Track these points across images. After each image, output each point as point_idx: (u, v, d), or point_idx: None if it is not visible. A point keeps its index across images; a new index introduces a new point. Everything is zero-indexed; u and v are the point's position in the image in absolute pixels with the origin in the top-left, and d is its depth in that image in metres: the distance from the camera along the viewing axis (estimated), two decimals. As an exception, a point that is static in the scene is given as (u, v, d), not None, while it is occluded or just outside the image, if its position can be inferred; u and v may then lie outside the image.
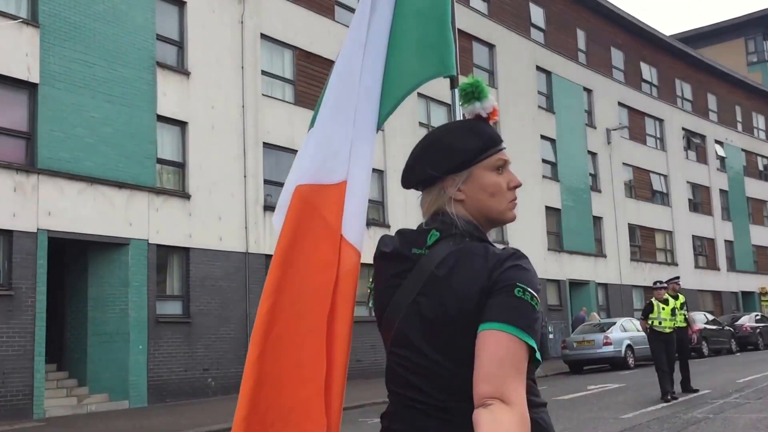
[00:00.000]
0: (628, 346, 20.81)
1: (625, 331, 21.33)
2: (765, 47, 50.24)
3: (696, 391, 12.67)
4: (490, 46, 27.27)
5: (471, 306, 1.46)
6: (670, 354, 12.35)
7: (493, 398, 1.35)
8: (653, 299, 12.70)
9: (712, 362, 20.83)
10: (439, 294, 1.49)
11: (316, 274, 1.73)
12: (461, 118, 1.77)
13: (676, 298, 12.96)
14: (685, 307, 13.17)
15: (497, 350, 1.38)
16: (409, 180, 1.69)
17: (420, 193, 1.69)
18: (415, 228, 1.67)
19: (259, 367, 1.71)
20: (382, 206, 22.25)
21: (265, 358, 1.72)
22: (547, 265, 27.66)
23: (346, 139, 1.81)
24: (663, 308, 12.51)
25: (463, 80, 1.76)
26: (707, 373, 16.62)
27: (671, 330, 12.47)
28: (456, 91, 1.85)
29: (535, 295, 1.46)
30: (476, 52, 26.75)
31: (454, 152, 1.60)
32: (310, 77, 20.82)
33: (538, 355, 1.45)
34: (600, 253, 31.05)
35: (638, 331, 21.49)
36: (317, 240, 1.77)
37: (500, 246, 1.59)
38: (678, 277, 13.78)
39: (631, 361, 20.76)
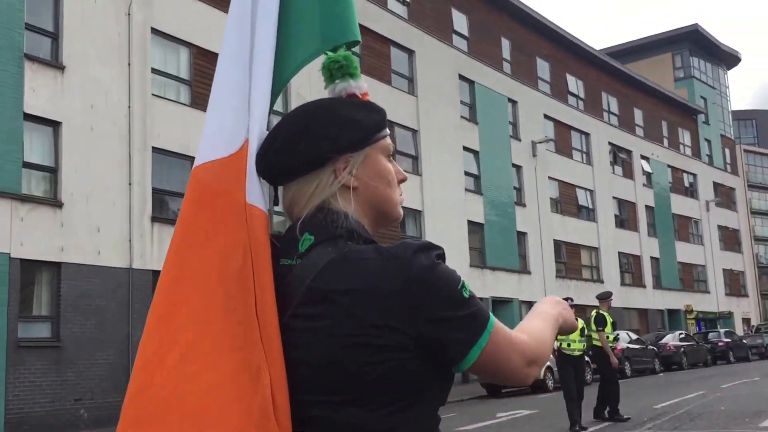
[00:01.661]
0: (548, 368, 19.64)
1: (545, 351, 20.17)
2: (692, 63, 50.56)
3: (626, 419, 11.55)
4: (410, 52, 26.07)
5: (357, 323, 1.17)
6: (579, 379, 11.26)
7: None
8: None
9: (634, 384, 19.83)
10: (323, 313, 1.19)
11: (229, 262, 1.31)
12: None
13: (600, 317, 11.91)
14: (601, 326, 12.01)
15: (497, 358, 1.24)
16: (283, 164, 1.31)
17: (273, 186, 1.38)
18: (283, 234, 1.33)
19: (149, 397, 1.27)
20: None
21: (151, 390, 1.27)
22: (469, 282, 26.37)
23: (241, 109, 1.46)
24: None
25: (330, 54, 1.45)
26: (626, 396, 15.43)
27: (581, 353, 11.38)
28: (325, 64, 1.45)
29: (464, 282, 1.25)
30: (395, 57, 25.51)
31: (354, 124, 1.31)
32: (209, 77, 19.08)
33: (472, 355, 1.22)
34: (524, 270, 30.04)
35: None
36: (222, 221, 1.35)
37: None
38: (610, 294, 12.58)
39: (550, 383, 19.61)
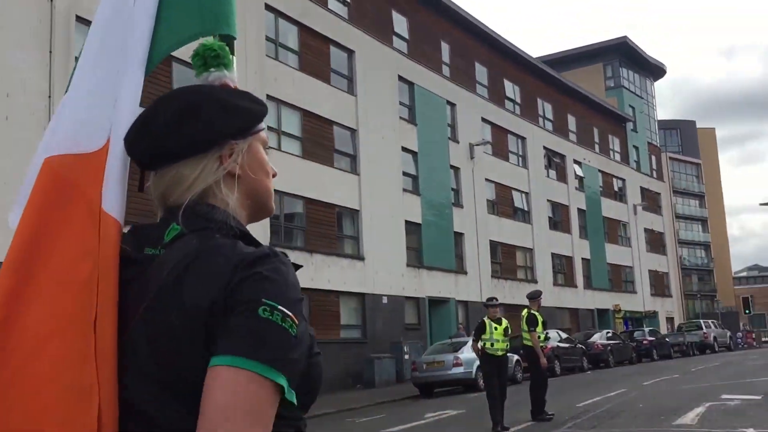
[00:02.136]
0: (479, 367, 20.06)
1: (477, 350, 20.63)
2: (621, 73, 52.31)
3: (549, 418, 11.81)
4: (350, 52, 26.25)
5: (198, 327, 1.10)
6: (502, 379, 11.46)
7: None
8: (486, 318, 11.76)
9: (562, 382, 20.46)
10: (167, 309, 1.14)
11: (76, 270, 1.25)
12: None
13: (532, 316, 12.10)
14: (532, 326, 12.13)
15: (225, 395, 1.06)
16: (164, 146, 1.24)
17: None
18: (158, 221, 1.27)
19: None
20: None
21: None
22: (405, 281, 26.84)
23: (106, 100, 1.42)
24: (496, 328, 11.49)
25: (204, 41, 1.43)
26: (553, 395, 15.90)
27: (504, 353, 11.57)
28: (201, 52, 1.44)
29: (289, 314, 1.11)
30: (334, 56, 25.65)
31: (241, 111, 1.28)
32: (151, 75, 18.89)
33: (290, 395, 1.10)
34: (461, 270, 30.58)
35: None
36: (77, 223, 1.29)
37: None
38: (540, 293, 12.69)
39: (481, 382, 19.98)
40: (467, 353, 20.12)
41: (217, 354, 1.08)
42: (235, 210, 1.26)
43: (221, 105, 1.26)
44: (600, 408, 13.20)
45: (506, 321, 11.84)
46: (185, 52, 1.47)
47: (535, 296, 12.47)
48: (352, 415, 15.61)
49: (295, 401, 1.12)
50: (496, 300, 12.25)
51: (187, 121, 1.24)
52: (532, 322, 12.11)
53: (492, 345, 11.44)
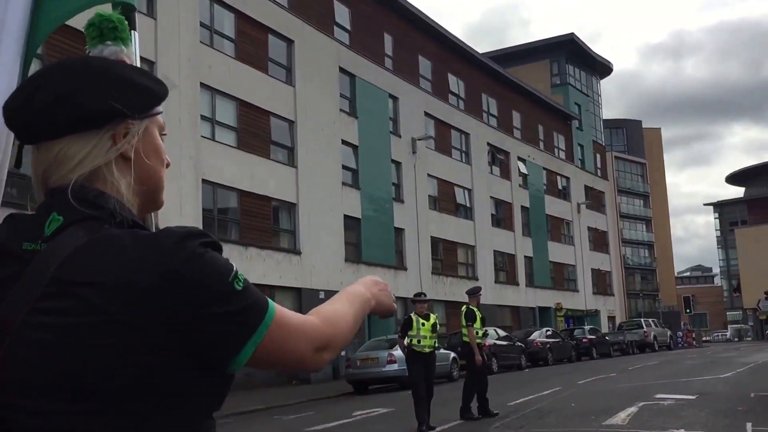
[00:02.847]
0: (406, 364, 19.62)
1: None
2: (567, 70, 52.49)
3: (495, 414, 11.50)
4: (289, 41, 25.51)
5: (118, 318, 1.01)
6: (429, 378, 11.02)
7: None
8: (413, 314, 11.28)
9: (497, 380, 20.12)
10: (67, 308, 1.01)
11: None
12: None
13: (470, 313, 11.75)
14: (470, 322, 11.84)
15: (279, 348, 1.12)
16: (51, 116, 1.10)
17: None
18: (35, 210, 1.14)
19: None
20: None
21: None
22: (343, 276, 26.20)
23: None
24: (423, 324, 11.03)
25: (100, 11, 1.36)
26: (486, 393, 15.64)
27: (431, 350, 11.13)
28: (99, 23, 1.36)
29: (237, 272, 1.09)
30: (272, 45, 24.89)
31: (140, 89, 1.17)
32: (60, 51, 17.94)
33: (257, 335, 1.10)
34: (400, 266, 30.11)
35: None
36: None
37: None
38: (479, 289, 12.48)
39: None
40: (399, 352, 19.62)
41: (236, 354, 1.07)
42: (128, 197, 1.13)
43: (119, 78, 1.14)
44: (531, 407, 12.85)
45: (434, 317, 11.46)
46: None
47: (474, 292, 12.28)
48: (281, 412, 15.22)
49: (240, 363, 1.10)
50: (424, 295, 11.77)
51: (80, 91, 1.10)
52: (470, 317, 11.87)
53: (419, 342, 11.03)
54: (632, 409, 11.65)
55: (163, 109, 1.21)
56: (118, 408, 1.01)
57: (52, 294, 1.02)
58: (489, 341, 23.54)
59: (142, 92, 1.17)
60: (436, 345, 11.37)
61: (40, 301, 1.02)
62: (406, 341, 11.11)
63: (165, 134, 1.25)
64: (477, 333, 11.83)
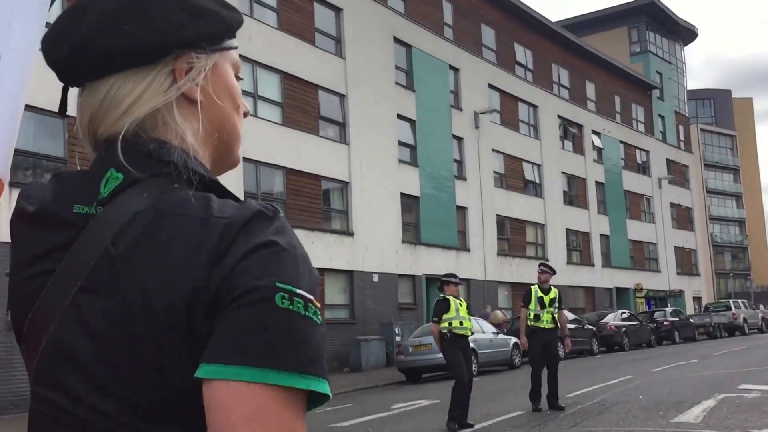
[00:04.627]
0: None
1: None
2: (648, 37, 49.30)
3: (562, 408, 10.24)
4: (337, 10, 24.20)
5: (175, 322, 0.82)
6: (469, 365, 9.89)
7: None
8: (448, 296, 9.94)
9: (562, 367, 18.39)
10: (116, 292, 0.85)
11: None
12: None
13: (549, 291, 10.78)
14: (555, 304, 10.80)
15: (247, 420, 0.77)
16: (98, 47, 0.93)
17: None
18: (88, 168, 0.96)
19: None
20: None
21: None
22: (400, 258, 24.89)
23: None
24: (461, 304, 9.90)
25: None
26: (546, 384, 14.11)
27: (471, 333, 10.08)
28: None
29: (310, 298, 0.83)
30: (319, 14, 23.63)
31: (209, 15, 0.97)
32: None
33: (325, 388, 0.82)
34: (463, 247, 28.53)
35: (483, 332, 19.02)
36: None
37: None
38: (546, 267, 11.11)
39: (474, 367, 18.09)
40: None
41: (219, 362, 0.78)
42: (195, 148, 0.94)
43: (180, 3, 0.94)
44: (593, 399, 11.35)
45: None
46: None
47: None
48: (320, 403, 14.04)
49: (330, 394, 0.84)
50: (452, 276, 10.36)
51: (132, 15, 0.92)
52: (527, 299, 10.94)
53: (461, 323, 9.86)
54: (709, 403, 10.00)
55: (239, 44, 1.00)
56: (162, 410, 0.84)
57: (103, 270, 0.85)
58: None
59: (210, 19, 0.96)
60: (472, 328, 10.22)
61: (90, 277, 0.86)
62: (444, 326, 9.81)
63: (241, 78, 1.04)
64: (529, 315, 10.79)
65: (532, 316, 10.71)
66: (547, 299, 10.71)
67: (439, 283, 10.40)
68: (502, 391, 13.29)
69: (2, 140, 1.19)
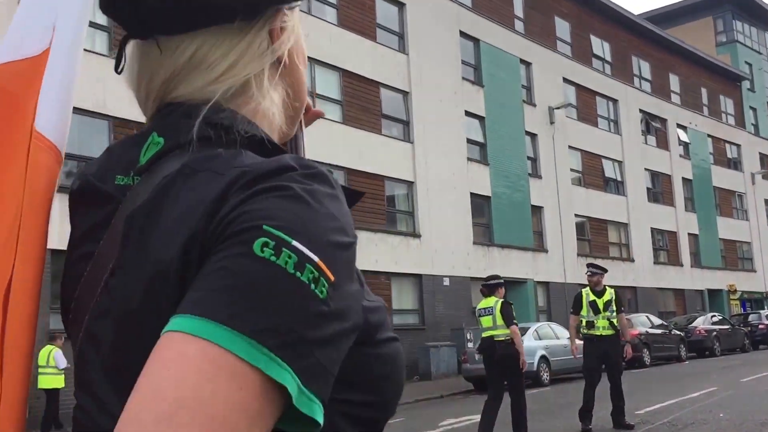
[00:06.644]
0: (542, 358, 16.99)
1: (540, 338, 17.49)
2: (735, 27, 46.53)
3: (631, 427, 9.08)
4: (400, 5, 23.45)
5: (167, 280, 0.69)
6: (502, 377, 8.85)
7: None
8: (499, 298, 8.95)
9: (644, 375, 17.02)
10: (132, 263, 0.73)
11: None
12: None
13: (602, 293, 9.50)
14: (611, 307, 9.45)
15: (171, 382, 0.59)
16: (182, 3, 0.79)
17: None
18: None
19: None
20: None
21: None
22: (471, 261, 23.88)
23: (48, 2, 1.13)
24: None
25: None
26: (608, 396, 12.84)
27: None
28: None
29: (314, 259, 0.63)
30: (380, 10, 22.92)
31: None
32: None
33: (306, 406, 0.62)
34: (540, 248, 27.24)
35: (557, 338, 17.85)
36: (5, 144, 0.99)
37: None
38: (594, 267, 9.85)
39: (545, 375, 16.97)
40: (528, 342, 17.01)
41: (175, 314, 0.63)
42: (275, 117, 0.83)
43: None
44: (667, 416, 10.08)
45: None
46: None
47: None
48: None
49: (319, 419, 0.62)
50: (495, 278, 9.25)
51: None
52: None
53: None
54: (807, 421, 8.67)
55: None
56: None
57: (126, 243, 0.72)
58: (640, 329, 20.42)
59: None
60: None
61: (119, 258, 0.73)
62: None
63: None
64: (581, 321, 9.58)
65: (584, 324, 9.48)
66: (600, 303, 9.34)
67: (482, 287, 9.20)
68: (568, 404, 12.18)
69: (59, 99, 0.99)
